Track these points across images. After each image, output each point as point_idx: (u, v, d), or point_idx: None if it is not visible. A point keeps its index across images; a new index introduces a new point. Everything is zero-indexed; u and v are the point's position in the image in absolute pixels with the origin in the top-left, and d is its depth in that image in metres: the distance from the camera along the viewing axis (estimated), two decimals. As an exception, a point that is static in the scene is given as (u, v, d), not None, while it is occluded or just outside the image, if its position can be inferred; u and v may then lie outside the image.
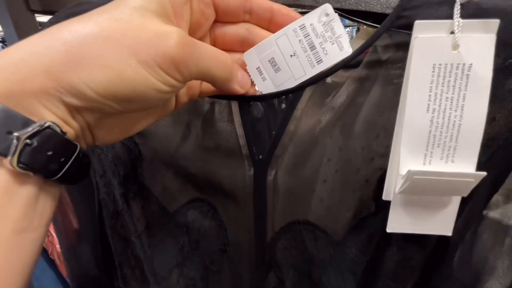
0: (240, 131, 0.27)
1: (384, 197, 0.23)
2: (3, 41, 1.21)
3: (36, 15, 0.43)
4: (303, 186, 0.27)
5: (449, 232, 0.23)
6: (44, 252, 1.23)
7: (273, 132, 0.26)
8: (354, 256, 0.27)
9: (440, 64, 0.19)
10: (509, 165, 0.23)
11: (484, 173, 0.19)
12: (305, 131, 0.26)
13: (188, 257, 0.30)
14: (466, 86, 0.19)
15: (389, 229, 0.23)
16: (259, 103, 0.27)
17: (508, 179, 0.23)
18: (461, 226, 0.25)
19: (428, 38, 0.19)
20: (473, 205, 0.24)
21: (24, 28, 0.42)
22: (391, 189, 0.22)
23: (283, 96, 0.25)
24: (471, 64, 0.19)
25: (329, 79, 0.26)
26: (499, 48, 0.19)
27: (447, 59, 0.19)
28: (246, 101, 0.25)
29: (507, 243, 0.25)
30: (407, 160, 0.21)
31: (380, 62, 0.23)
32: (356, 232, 0.26)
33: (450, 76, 0.19)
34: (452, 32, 0.19)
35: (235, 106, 0.26)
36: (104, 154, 0.28)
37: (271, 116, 0.27)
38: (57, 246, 1.21)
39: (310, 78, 0.23)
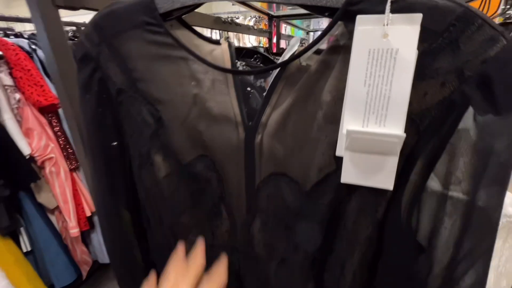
0: (234, 103, 0.34)
1: (337, 153, 0.29)
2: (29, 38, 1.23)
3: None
4: (282, 146, 0.33)
5: (390, 187, 0.29)
6: (58, 238, 1.33)
7: (260, 104, 0.34)
8: (320, 206, 0.33)
9: (374, 49, 0.25)
10: (446, 135, 0.28)
11: (403, 135, 0.25)
12: (283, 104, 0.32)
13: (197, 201, 0.39)
14: (393, 66, 0.25)
15: (342, 180, 0.30)
16: (251, 81, 0.34)
17: (445, 154, 0.28)
18: (409, 190, 0.30)
19: (365, 29, 0.25)
20: (419, 171, 0.30)
21: (50, 23, 0.46)
22: (342, 147, 0.28)
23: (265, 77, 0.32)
24: (398, 49, 0.25)
25: (304, 63, 0.32)
26: (425, 35, 0.25)
27: (379, 45, 0.25)
28: (238, 74, 0.33)
29: (447, 210, 0.30)
30: (350, 123, 0.27)
31: (339, 47, 0.29)
32: (322, 184, 0.32)
33: (381, 59, 0.25)
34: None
35: (230, 83, 0.34)
36: (134, 119, 0.37)
37: (259, 91, 0.34)
38: (70, 231, 1.30)
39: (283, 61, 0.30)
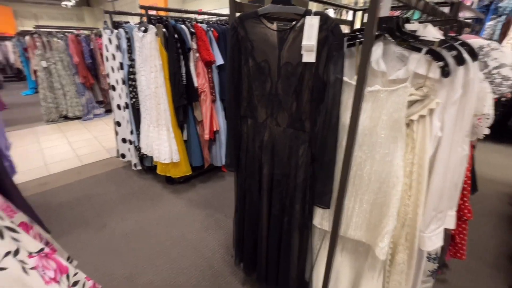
0: (277, 41, 1.11)
1: (302, 52, 1.03)
2: (207, 23, 2.33)
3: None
4: (289, 54, 1.09)
5: (314, 60, 1.01)
6: (198, 138, 2.30)
7: (284, 41, 1.10)
8: (298, 70, 1.07)
9: (310, 24, 0.98)
10: (329, 48, 0.99)
11: (315, 43, 0.97)
12: (289, 40, 1.08)
13: (260, 75, 1.17)
14: (313, 28, 0.97)
15: (303, 60, 1.03)
16: (282, 32, 1.11)
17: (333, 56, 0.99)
18: (322, 63, 1.02)
19: (308, 19, 0.98)
20: (324, 58, 1.01)
21: (233, 16, 1.34)
22: (303, 50, 1.02)
23: (287, 31, 1.08)
24: (313, 24, 0.97)
25: (296, 28, 1.07)
26: (320, 20, 0.96)
27: (310, 23, 0.98)
28: (277, 31, 1.10)
29: (331, 78, 1.00)
30: (304, 42, 1.00)
31: (302, 24, 1.02)
32: (298, 63, 1.07)
33: (311, 26, 0.98)
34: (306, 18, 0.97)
35: (276, 35, 1.11)
36: (245, 47, 1.17)
37: (284, 37, 1.10)
38: (205, 136, 2.27)
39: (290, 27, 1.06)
